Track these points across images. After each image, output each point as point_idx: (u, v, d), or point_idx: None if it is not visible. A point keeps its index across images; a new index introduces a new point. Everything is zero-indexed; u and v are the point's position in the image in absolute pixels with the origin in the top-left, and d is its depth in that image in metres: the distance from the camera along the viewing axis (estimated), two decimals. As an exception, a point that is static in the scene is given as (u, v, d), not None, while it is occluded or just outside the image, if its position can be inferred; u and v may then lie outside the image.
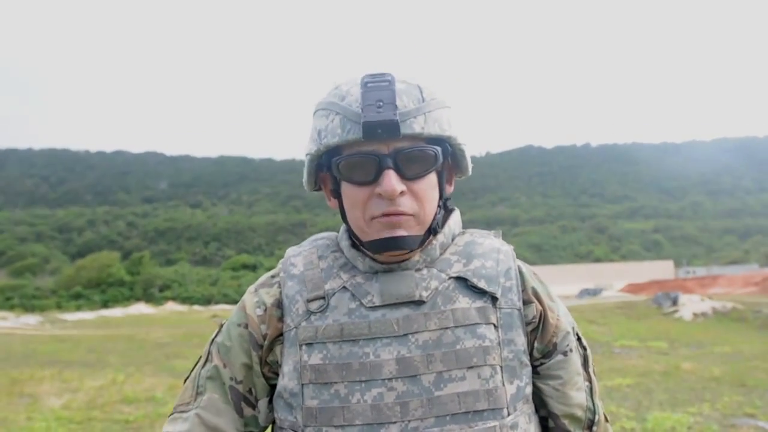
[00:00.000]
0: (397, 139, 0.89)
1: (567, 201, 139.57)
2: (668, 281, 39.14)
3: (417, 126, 0.90)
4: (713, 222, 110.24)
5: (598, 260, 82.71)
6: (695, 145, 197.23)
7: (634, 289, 35.34)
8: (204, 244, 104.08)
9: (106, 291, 62.08)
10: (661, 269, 60.56)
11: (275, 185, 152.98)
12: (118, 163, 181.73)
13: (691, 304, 16.23)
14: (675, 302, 16.82)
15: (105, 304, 51.57)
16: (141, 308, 38.30)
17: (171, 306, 43.55)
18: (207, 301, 58.84)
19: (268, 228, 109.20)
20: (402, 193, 0.90)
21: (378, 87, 0.88)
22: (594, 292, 32.31)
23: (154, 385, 8.16)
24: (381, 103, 0.87)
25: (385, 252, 0.93)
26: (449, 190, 1.04)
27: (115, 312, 34.57)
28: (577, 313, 17.00)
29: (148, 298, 55.45)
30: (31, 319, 26.15)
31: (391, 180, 0.89)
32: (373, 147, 0.90)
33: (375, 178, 0.90)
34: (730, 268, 57.73)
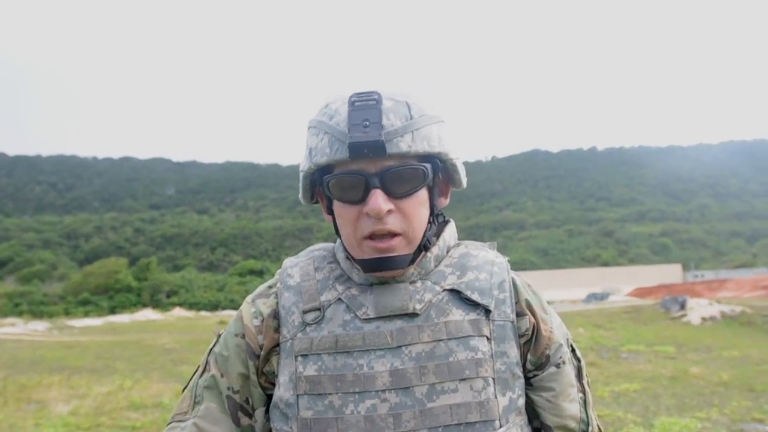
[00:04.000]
0: (384, 158, 0.89)
1: (573, 205, 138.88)
2: (676, 285, 38.83)
3: (404, 145, 0.89)
4: (721, 225, 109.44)
5: (605, 264, 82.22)
6: (702, 148, 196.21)
7: (641, 293, 35.12)
8: (211, 250, 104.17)
9: (113, 297, 62.27)
10: (669, 273, 60.18)
11: (282, 191, 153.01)
12: (125, 169, 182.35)
13: (699, 308, 16.10)
14: (683, 306, 16.70)
15: (112, 310, 51.64)
16: (148, 314, 38.29)
17: (178, 312, 43.54)
18: (214, 306, 58.86)
19: (274, 233, 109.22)
20: (389, 211, 0.90)
21: (365, 106, 0.88)
22: (601, 297, 32.03)
23: (161, 391, 8.18)
24: (367, 123, 0.87)
25: (376, 272, 0.95)
26: (444, 203, 1.03)
27: (123, 318, 34.59)
28: (584, 318, 16.94)
29: (156, 304, 55.55)
30: (40, 326, 26.17)
31: (378, 200, 0.89)
32: (360, 166, 0.90)
33: (363, 198, 0.91)
34: (739, 271, 57.32)
